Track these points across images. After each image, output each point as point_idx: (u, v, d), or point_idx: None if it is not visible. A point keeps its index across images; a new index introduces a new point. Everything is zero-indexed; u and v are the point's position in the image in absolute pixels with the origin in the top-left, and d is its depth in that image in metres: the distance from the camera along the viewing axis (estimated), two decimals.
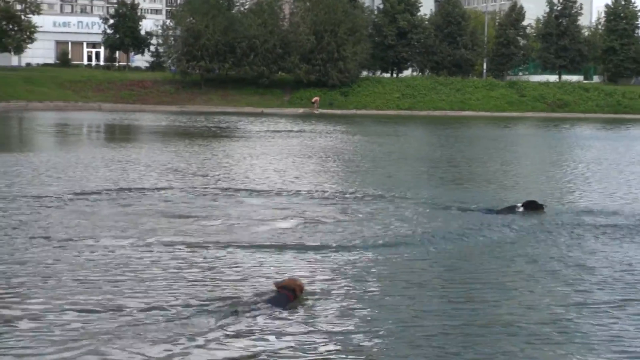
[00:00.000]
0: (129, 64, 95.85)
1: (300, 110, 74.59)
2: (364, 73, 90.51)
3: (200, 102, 76.38)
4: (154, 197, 17.88)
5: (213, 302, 9.56)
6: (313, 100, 75.79)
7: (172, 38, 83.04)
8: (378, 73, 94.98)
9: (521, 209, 16.57)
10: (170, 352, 8.00)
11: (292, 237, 13.62)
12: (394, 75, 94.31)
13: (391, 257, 12.30)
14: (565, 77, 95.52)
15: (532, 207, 16.71)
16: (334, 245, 13.01)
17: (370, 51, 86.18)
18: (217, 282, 10.56)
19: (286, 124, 52.09)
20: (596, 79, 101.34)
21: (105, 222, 14.43)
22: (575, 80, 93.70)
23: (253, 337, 8.46)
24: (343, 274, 11.12)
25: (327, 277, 10.91)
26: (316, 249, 12.69)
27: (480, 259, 12.33)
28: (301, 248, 12.69)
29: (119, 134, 43.99)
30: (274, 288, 9.67)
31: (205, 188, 19.46)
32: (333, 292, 10.17)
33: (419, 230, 14.49)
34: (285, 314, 9.17)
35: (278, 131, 44.69)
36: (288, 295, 9.40)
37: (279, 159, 27.60)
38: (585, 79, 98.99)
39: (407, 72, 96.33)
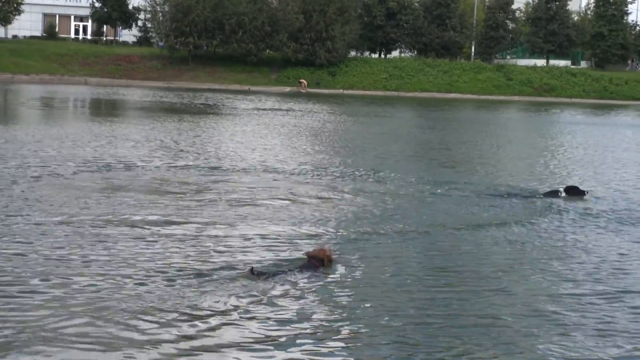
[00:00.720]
0: (117, 38, 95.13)
1: (287, 89, 74.38)
2: (352, 53, 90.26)
3: (187, 79, 76.06)
4: (145, 173, 17.76)
5: (241, 268, 9.97)
6: (300, 81, 75.53)
7: (160, 13, 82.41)
8: (366, 53, 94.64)
9: (563, 194, 16.74)
10: (196, 315, 8.29)
11: (285, 217, 13.53)
12: (382, 55, 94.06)
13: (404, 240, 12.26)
14: (552, 62, 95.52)
15: (574, 192, 16.87)
16: (338, 228, 12.92)
17: (359, 31, 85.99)
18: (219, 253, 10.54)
19: (274, 102, 51.97)
20: (584, 64, 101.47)
21: (99, 198, 14.30)
22: (563, 65, 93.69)
23: (274, 300, 8.91)
24: (344, 257, 10.99)
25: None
26: (314, 229, 12.61)
27: (475, 245, 12.26)
28: (295, 229, 12.58)
29: (106, 109, 43.68)
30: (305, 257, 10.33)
31: (196, 165, 19.34)
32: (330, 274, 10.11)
33: (419, 213, 14.45)
34: (305, 282, 9.65)
35: (266, 109, 44.55)
36: (316, 265, 10.04)
37: (269, 138, 27.49)
38: (573, 64, 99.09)
39: (395, 53, 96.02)
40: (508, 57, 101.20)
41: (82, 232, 11.57)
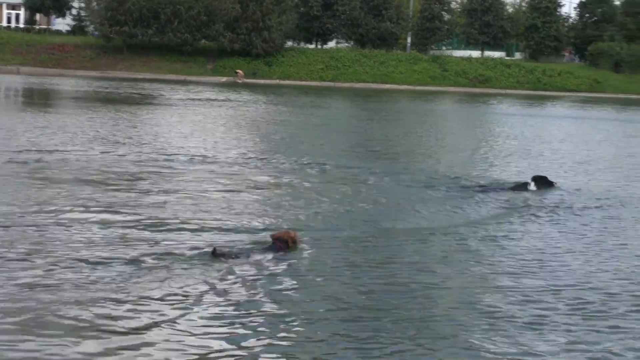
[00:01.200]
0: (50, 27, 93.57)
1: (224, 79, 73.90)
2: (289, 43, 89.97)
3: (122, 68, 75.12)
4: (82, 164, 17.49)
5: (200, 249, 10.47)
6: (236, 71, 75.14)
7: (95, 2, 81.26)
8: (302, 44, 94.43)
9: (533, 187, 16.88)
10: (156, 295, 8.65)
11: (224, 208, 13.41)
12: (319, 46, 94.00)
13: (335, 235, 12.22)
14: (487, 53, 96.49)
15: (543, 183, 17.05)
16: (278, 219, 12.85)
17: (296, 21, 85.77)
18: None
19: (211, 93, 51.58)
20: (518, 55, 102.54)
21: (33, 190, 14.04)
22: (498, 57, 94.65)
23: (225, 285, 9.23)
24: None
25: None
26: (255, 220, 12.52)
27: (419, 238, 12.28)
28: (234, 220, 12.50)
29: (40, 99, 42.92)
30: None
31: (134, 157, 19.12)
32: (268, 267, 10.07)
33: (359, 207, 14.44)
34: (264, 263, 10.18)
35: (203, 100, 44.21)
36: (280, 246, 10.54)
37: (208, 129, 27.28)
38: (507, 55, 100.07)
39: (331, 44, 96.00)
40: (444, 48, 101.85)
41: (14, 224, 11.36)
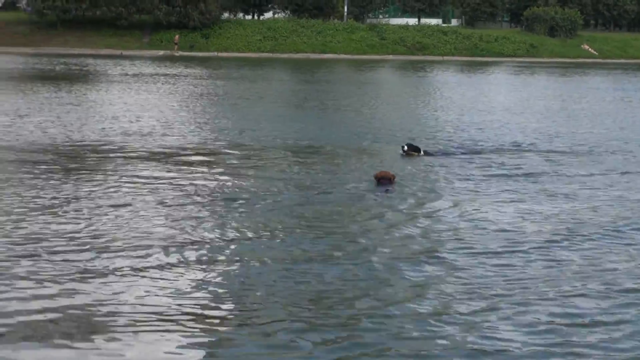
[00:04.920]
0: None
1: (161, 53, 72.92)
2: (225, 15, 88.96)
3: (57, 44, 73.55)
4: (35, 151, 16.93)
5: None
6: (175, 41, 74.24)
7: None
8: (240, 15, 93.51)
9: (403, 153, 17.76)
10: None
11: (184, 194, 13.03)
12: (256, 17, 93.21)
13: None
14: (424, 21, 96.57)
15: (412, 149, 17.82)
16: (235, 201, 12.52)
17: None
18: None
19: (149, 67, 50.81)
20: (454, 22, 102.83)
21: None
22: (434, 24, 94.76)
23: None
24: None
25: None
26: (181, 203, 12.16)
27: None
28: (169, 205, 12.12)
29: None
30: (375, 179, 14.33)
31: (91, 141, 18.60)
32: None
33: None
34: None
35: (143, 75, 43.39)
36: (388, 183, 14.13)
37: (154, 105, 26.73)
38: (444, 22, 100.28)
39: (268, 14, 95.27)
40: (380, 16, 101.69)
41: None
